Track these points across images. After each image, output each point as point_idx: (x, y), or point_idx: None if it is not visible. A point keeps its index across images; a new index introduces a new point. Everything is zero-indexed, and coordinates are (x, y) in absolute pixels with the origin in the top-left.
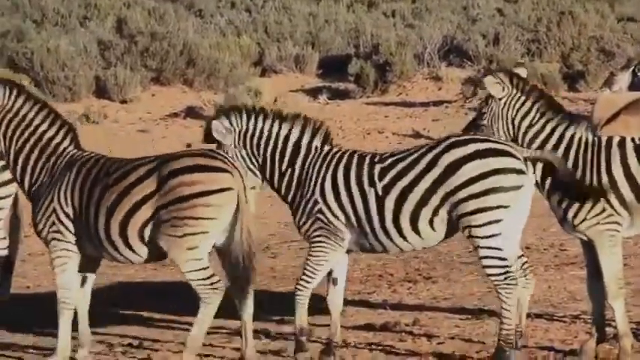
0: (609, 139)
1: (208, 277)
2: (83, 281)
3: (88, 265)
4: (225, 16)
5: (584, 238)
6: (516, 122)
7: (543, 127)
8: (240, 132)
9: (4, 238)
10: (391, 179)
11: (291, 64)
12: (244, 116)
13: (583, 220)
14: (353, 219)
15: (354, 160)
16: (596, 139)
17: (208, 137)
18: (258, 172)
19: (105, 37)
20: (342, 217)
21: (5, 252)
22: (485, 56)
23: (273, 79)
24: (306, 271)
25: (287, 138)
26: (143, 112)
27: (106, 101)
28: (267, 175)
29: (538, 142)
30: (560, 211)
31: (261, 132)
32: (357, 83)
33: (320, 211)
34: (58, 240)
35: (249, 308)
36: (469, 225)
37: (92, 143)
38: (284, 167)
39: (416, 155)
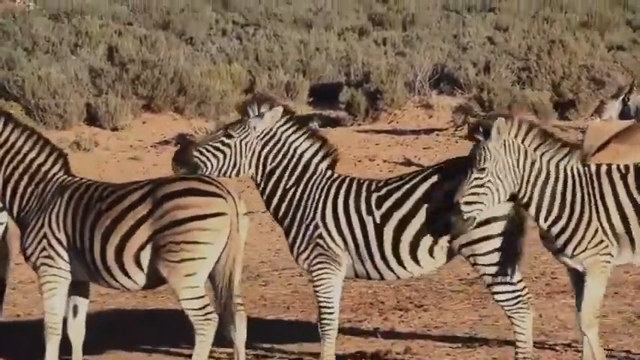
0: (598, 168)
1: (203, 307)
2: (75, 311)
3: (78, 291)
4: (216, 43)
5: (581, 267)
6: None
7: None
8: (265, 129)
9: None
10: (388, 209)
11: (282, 92)
12: (277, 116)
13: (584, 250)
14: (352, 245)
15: (354, 187)
16: (586, 168)
17: (241, 109)
18: (248, 170)
19: (96, 64)
20: (340, 243)
21: None
22: (475, 84)
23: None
24: (321, 304)
25: (302, 154)
26: (134, 139)
27: (97, 129)
28: (269, 190)
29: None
30: (559, 241)
31: (285, 140)
32: (348, 111)
33: (320, 236)
34: (49, 266)
35: (241, 335)
36: (473, 254)
37: (83, 171)
38: (290, 184)
39: (413, 183)
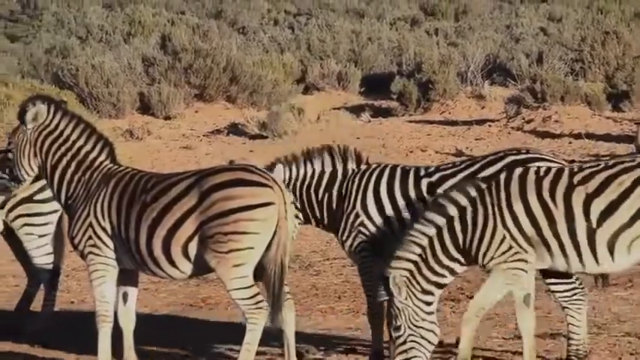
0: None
1: (253, 296)
2: (125, 298)
3: (127, 279)
4: (268, 33)
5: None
6: None
7: None
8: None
9: (51, 253)
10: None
11: (333, 82)
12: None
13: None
14: (398, 231)
15: (398, 174)
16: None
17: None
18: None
19: (149, 53)
20: (385, 230)
21: (51, 267)
22: (528, 75)
23: (316, 96)
24: (367, 293)
25: (322, 173)
26: (186, 128)
27: (149, 117)
28: (307, 209)
29: None
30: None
31: (305, 175)
32: (400, 101)
33: (362, 223)
34: (95, 254)
35: (290, 324)
36: None
37: (136, 159)
38: (320, 196)
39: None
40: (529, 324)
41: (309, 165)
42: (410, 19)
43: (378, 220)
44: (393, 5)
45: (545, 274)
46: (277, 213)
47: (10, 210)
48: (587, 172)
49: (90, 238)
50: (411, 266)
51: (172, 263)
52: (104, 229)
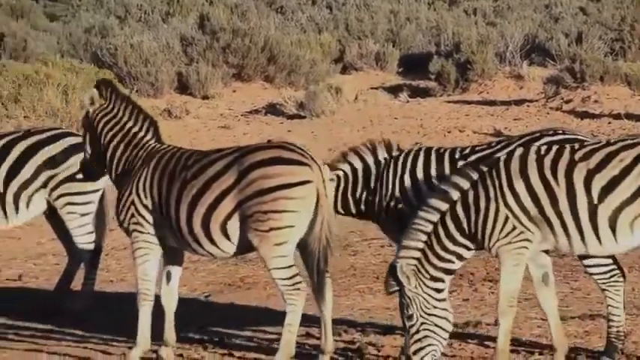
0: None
1: (292, 277)
2: (168, 277)
3: (171, 258)
4: (306, 13)
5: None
6: None
7: None
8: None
9: (93, 232)
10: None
11: (371, 62)
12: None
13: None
14: None
15: (433, 156)
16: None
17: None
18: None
19: (187, 33)
20: None
21: (92, 246)
22: (567, 55)
23: (354, 76)
24: None
25: (355, 171)
26: (224, 108)
27: (187, 97)
28: (348, 210)
29: None
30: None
31: (339, 183)
32: (438, 81)
33: (400, 209)
34: (139, 232)
35: (328, 303)
36: None
37: (175, 139)
38: (357, 194)
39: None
40: (551, 303)
41: (339, 172)
42: None
43: (416, 204)
44: None
45: (583, 255)
46: (316, 191)
47: (53, 189)
48: (588, 149)
49: (133, 215)
50: (417, 254)
51: (212, 241)
52: (146, 207)
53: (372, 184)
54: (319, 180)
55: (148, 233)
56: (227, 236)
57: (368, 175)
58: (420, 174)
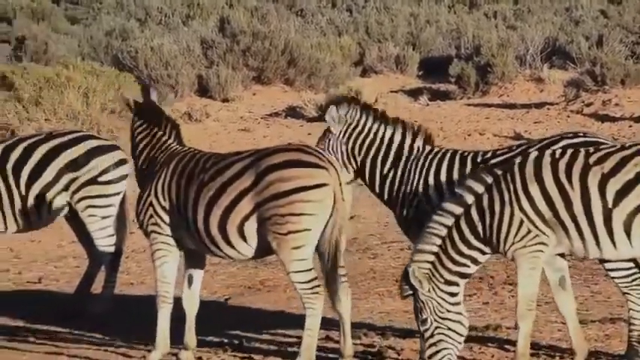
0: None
1: (310, 280)
2: (190, 280)
3: (193, 261)
4: (326, 15)
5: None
6: None
7: None
8: (349, 126)
9: (113, 235)
10: None
11: (391, 65)
12: (358, 111)
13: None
14: None
15: (457, 159)
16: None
17: (322, 116)
18: (350, 169)
19: (208, 36)
20: None
21: (112, 249)
22: (588, 58)
23: (374, 79)
24: None
25: (391, 140)
26: (244, 111)
27: (207, 100)
28: (367, 177)
29: None
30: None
31: (369, 131)
32: (458, 84)
33: (422, 208)
34: (158, 233)
35: (346, 306)
36: None
37: (194, 142)
38: (386, 170)
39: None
40: (569, 307)
41: (382, 125)
42: (468, 1)
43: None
44: None
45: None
46: (333, 194)
47: (74, 192)
48: (602, 152)
49: (151, 216)
50: (431, 258)
51: (229, 243)
52: (164, 208)
53: (400, 172)
54: (336, 183)
55: (167, 235)
56: (244, 238)
57: (399, 156)
58: (443, 176)
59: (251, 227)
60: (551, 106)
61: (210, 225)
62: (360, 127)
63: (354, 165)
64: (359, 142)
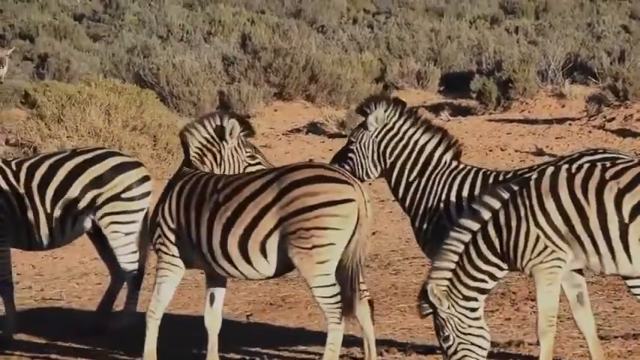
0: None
1: (334, 295)
2: (212, 299)
3: (214, 281)
4: (347, 32)
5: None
6: None
7: None
8: (385, 126)
9: (136, 251)
10: None
11: (413, 81)
12: (397, 114)
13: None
14: None
15: (480, 178)
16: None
17: (359, 110)
18: (379, 168)
19: (229, 52)
20: None
21: (135, 266)
22: (610, 73)
23: (395, 95)
24: None
25: (423, 148)
26: (266, 127)
27: None
28: (393, 181)
29: None
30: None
31: (403, 135)
32: (480, 100)
33: (442, 225)
34: (164, 252)
35: (369, 324)
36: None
37: None
38: (412, 177)
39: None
40: (588, 323)
41: (417, 131)
42: (490, 17)
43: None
44: (472, 3)
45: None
46: (357, 210)
47: (98, 208)
48: (619, 167)
49: (159, 236)
50: (449, 275)
51: (248, 261)
52: (171, 229)
53: (424, 182)
54: (361, 200)
55: (172, 255)
56: (265, 255)
57: (426, 166)
58: (465, 194)
59: (273, 243)
60: (572, 122)
61: (229, 244)
62: (395, 130)
63: (383, 165)
64: (392, 144)
